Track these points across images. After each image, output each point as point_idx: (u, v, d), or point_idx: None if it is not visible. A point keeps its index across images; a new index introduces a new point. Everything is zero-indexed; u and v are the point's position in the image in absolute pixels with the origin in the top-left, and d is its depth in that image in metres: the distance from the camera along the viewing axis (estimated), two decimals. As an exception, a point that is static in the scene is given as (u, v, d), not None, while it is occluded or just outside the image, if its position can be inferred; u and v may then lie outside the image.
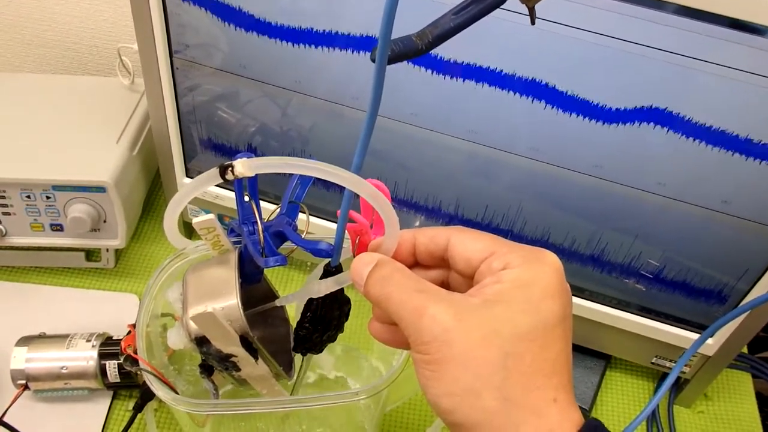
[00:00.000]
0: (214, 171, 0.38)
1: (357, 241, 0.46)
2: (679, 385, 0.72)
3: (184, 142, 0.68)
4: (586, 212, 0.59)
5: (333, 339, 0.51)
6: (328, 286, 0.43)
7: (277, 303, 0.47)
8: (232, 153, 0.67)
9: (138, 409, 0.63)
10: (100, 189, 0.65)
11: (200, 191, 0.39)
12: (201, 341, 0.44)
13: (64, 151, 0.67)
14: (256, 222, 0.45)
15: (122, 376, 0.63)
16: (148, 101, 0.65)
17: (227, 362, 0.46)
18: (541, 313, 0.34)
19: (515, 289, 0.35)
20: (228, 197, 0.70)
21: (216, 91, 0.64)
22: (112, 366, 0.63)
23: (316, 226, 0.67)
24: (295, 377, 0.52)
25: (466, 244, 0.39)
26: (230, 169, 0.37)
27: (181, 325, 0.45)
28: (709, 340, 0.64)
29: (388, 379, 0.48)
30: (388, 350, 0.49)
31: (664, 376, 0.73)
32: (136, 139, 0.71)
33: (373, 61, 0.32)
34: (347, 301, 0.50)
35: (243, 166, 0.36)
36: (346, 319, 0.51)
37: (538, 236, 0.62)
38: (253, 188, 0.45)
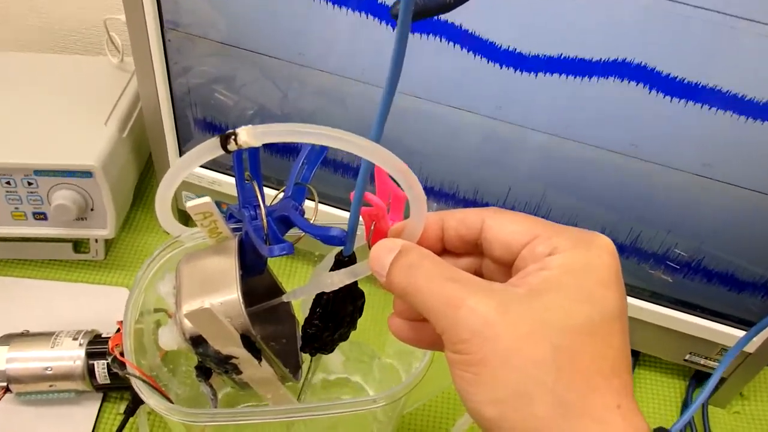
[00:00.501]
0: (214, 141, 0.32)
1: (372, 228, 0.41)
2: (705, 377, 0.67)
3: (177, 124, 0.63)
4: (619, 196, 0.54)
5: (345, 337, 0.46)
6: (342, 278, 0.38)
7: (284, 298, 0.41)
8: (224, 131, 0.62)
9: (129, 413, 0.58)
10: (87, 174, 0.59)
11: (197, 165, 0.34)
12: (197, 341, 0.39)
13: (48, 134, 0.61)
14: (259, 205, 0.40)
15: (112, 377, 0.58)
16: (138, 78, 0.60)
17: (227, 364, 0.40)
18: (598, 304, 0.30)
19: (565, 275, 0.30)
20: (227, 182, 0.64)
21: (212, 69, 0.59)
22: (101, 366, 0.58)
23: (321, 214, 0.62)
24: (302, 380, 0.47)
25: (504, 227, 0.34)
26: (233, 138, 0.31)
27: (174, 323, 0.40)
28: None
29: (410, 383, 0.43)
30: (405, 348, 0.43)
31: (696, 374, 0.68)
32: (126, 120, 0.66)
33: (394, 17, 0.28)
34: (361, 295, 0.44)
35: (247, 135, 0.31)
36: (360, 315, 0.45)
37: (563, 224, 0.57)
38: (254, 166, 0.40)
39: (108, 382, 0.58)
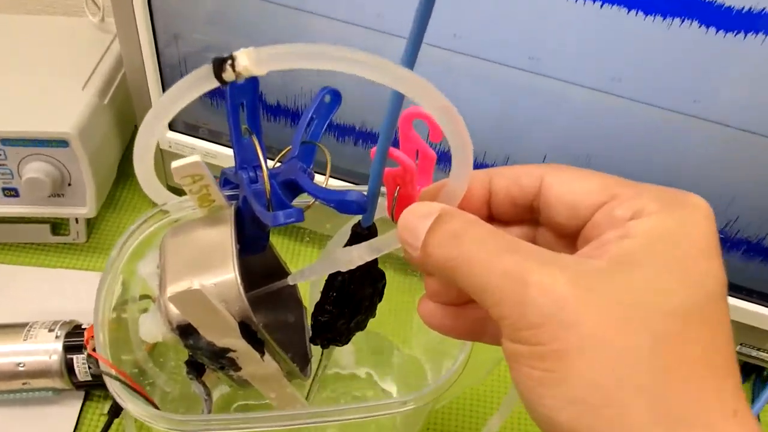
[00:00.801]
0: (206, 69, 0.25)
1: (396, 193, 0.34)
2: (762, 377, 0.61)
3: (165, 89, 0.56)
4: (678, 163, 0.47)
5: (363, 326, 0.39)
6: (362, 254, 0.31)
7: (290, 281, 0.34)
8: (218, 95, 0.55)
9: (114, 413, 0.51)
10: (62, 143, 0.52)
11: (184, 103, 0.27)
12: (185, 331, 0.32)
13: (18, 100, 0.54)
14: (260, 165, 0.33)
15: (94, 373, 0.51)
16: (120, 39, 0.53)
17: (222, 359, 0.33)
18: (700, 278, 0.23)
19: (656, 244, 0.24)
20: (224, 155, 0.57)
21: (205, 23, 0.51)
22: (80, 361, 0.51)
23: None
24: (312, 376, 0.40)
25: (570, 186, 0.27)
26: (230, 63, 0.24)
27: (157, 309, 0.33)
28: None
29: (444, 383, 0.36)
30: (434, 339, 0.36)
31: (747, 367, 0.61)
32: (107, 86, 0.59)
33: None
34: (381, 276, 0.38)
35: (249, 59, 0.24)
36: (380, 299, 0.39)
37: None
38: (253, 116, 0.33)
39: (89, 379, 0.51)
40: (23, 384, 0.51)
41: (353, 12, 0.46)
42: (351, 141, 0.54)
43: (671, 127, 0.45)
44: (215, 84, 0.26)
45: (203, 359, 0.34)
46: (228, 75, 0.26)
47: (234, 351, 0.33)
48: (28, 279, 0.60)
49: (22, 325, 0.52)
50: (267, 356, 0.34)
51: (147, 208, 0.66)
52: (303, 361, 0.39)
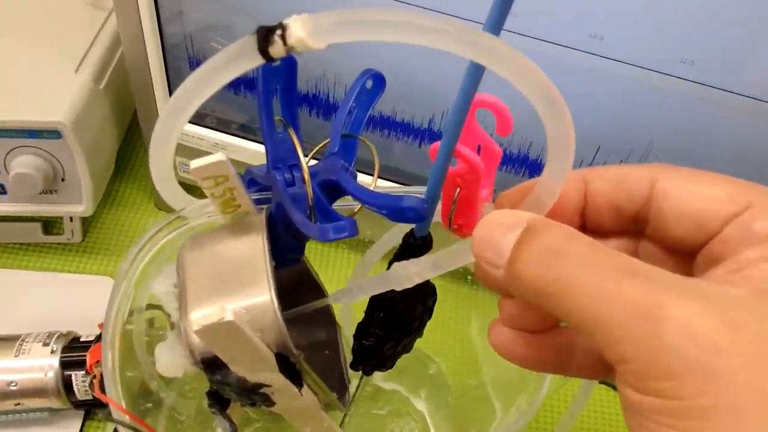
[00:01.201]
0: (247, 42, 0.20)
1: (456, 196, 0.29)
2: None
3: (169, 74, 0.50)
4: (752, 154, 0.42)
5: (409, 348, 0.34)
6: (423, 271, 0.26)
7: (333, 300, 0.29)
8: (231, 82, 0.49)
9: (119, 437, 0.46)
10: (54, 134, 0.46)
11: (216, 87, 0.22)
12: (212, 365, 0.27)
13: (2, 83, 0.48)
14: (299, 164, 0.27)
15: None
16: (117, 14, 0.47)
17: (255, 395, 0.28)
18: None
19: None
20: (235, 146, 0.51)
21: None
22: (80, 378, 0.45)
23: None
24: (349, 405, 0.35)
25: (693, 192, 0.23)
26: (279, 34, 0.19)
27: (176, 339, 0.27)
28: None
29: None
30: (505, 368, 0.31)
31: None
32: (103, 69, 0.52)
33: None
34: (433, 291, 0.32)
35: (305, 29, 0.18)
36: (430, 317, 0.33)
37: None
38: (289, 105, 0.27)
39: (90, 397, 0.46)
40: (16, 405, 0.46)
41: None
42: (377, 131, 0.49)
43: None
44: (259, 61, 0.21)
45: (231, 395, 0.29)
46: (276, 49, 0.20)
47: (269, 386, 0.28)
48: (18, 284, 0.54)
49: (14, 339, 0.47)
50: (305, 388, 0.29)
51: (148, 205, 0.60)
52: (341, 389, 0.34)
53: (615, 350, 0.19)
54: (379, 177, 0.45)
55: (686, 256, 0.23)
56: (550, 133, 0.21)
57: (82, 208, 0.50)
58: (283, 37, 0.19)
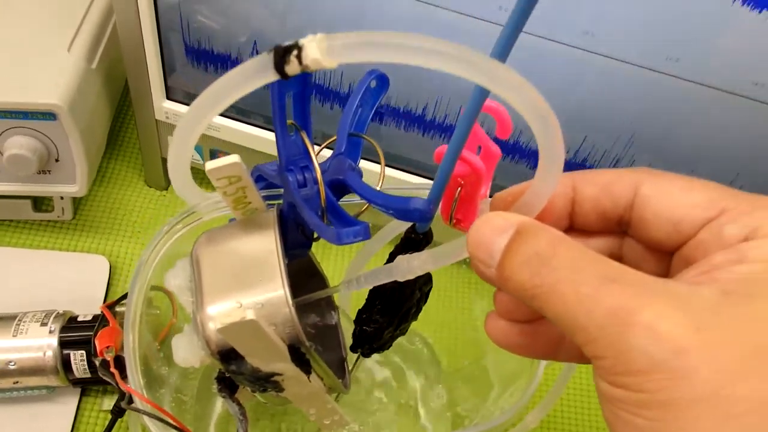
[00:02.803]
0: (264, 59, 0.21)
1: (457, 195, 0.30)
2: None
3: (163, 51, 0.50)
4: (736, 146, 0.44)
5: (405, 331, 0.36)
6: (424, 264, 0.28)
7: (344, 289, 0.30)
8: (223, 60, 0.49)
9: (119, 413, 0.47)
10: (49, 116, 0.46)
11: (233, 99, 0.23)
12: (228, 356, 0.28)
13: (-5, 63, 0.48)
14: (312, 166, 0.28)
15: (93, 369, 0.46)
16: None
17: (267, 383, 0.30)
18: None
19: None
20: (229, 128, 0.52)
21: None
22: (78, 357, 0.46)
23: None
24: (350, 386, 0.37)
25: (672, 198, 0.24)
26: (295, 54, 0.20)
27: (193, 331, 0.28)
28: None
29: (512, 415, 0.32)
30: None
31: None
32: (95, 47, 0.52)
33: None
34: (429, 279, 0.34)
35: (320, 49, 0.20)
36: (425, 302, 0.35)
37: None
38: (301, 110, 0.28)
39: (88, 375, 0.47)
40: (14, 383, 0.47)
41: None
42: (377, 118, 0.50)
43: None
44: (275, 77, 0.22)
45: (244, 383, 0.30)
46: (292, 68, 0.21)
47: (280, 375, 0.29)
48: (10, 261, 0.54)
49: (10, 318, 0.47)
50: (313, 375, 0.31)
51: (140, 182, 0.61)
52: (341, 371, 0.36)
53: (590, 348, 0.21)
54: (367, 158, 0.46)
55: (664, 253, 0.25)
56: (542, 146, 0.23)
57: (76, 188, 0.51)
58: (298, 57, 0.20)
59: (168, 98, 0.52)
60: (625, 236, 0.27)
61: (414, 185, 0.50)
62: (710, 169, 0.46)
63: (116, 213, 0.59)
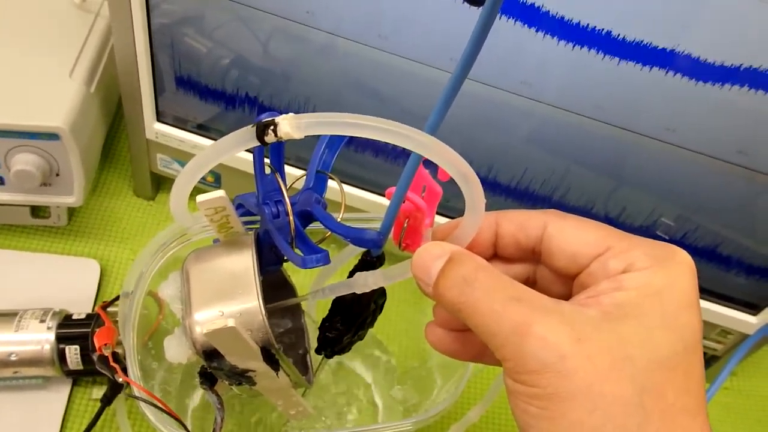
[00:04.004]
0: (248, 131, 0.28)
1: (405, 225, 0.37)
2: (706, 360, 0.67)
3: (155, 75, 0.55)
4: (653, 183, 0.51)
5: (363, 337, 0.42)
6: (377, 280, 0.34)
7: (311, 298, 0.36)
8: (210, 93, 0.55)
9: (107, 401, 0.53)
10: (53, 136, 0.52)
11: (225, 157, 0.29)
12: (211, 355, 0.34)
13: (3, 87, 0.53)
14: (284, 201, 0.34)
15: (86, 362, 0.52)
16: (112, 18, 0.51)
17: (242, 378, 0.36)
18: (680, 331, 0.27)
19: (645, 298, 0.27)
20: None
21: (193, 15, 0.51)
22: (73, 351, 0.52)
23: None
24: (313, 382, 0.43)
25: (570, 236, 0.31)
26: (272, 129, 0.27)
27: (182, 333, 0.35)
28: (752, 319, 0.59)
29: (444, 407, 0.39)
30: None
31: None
32: (93, 71, 0.58)
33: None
34: (383, 293, 0.40)
35: (290, 126, 0.26)
36: (380, 313, 0.42)
37: (581, 205, 0.54)
38: (277, 158, 0.35)
39: (80, 367, 0.53)
40: (14, 372, 0.52)
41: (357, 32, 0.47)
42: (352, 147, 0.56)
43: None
44: (257, 144, 0.29)
45: (222, 377, 0.36)
46: (270, 138, 0.28)
47: (253, 371, 0.36)
48: (10, 263, 0.60)
49: (12, 314, 0.53)
50: (281, 372, 0.37)
51: (129, 192, 0.66)
52: (304, 368, 0.42)
53: (500, 352, 0.27)
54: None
55: (568, 278, 0.31)
56: (466, 194, 0.29)
57: (74, 199, 0.56)
58: (274, 131, 0.27)
59: (158, 120, 0.58)
60: (538, 264, 0.33)
61: (376, 214, 0.56)
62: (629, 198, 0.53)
63: (107, 220, 0.64)
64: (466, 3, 0.24)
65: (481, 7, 0.23)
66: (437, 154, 0.28)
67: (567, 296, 0.31)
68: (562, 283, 0.32)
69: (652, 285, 0.28)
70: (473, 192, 0.29)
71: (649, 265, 0.28)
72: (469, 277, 0.28)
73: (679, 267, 0.28)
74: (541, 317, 0.27)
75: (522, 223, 0.32)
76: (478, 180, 0.29)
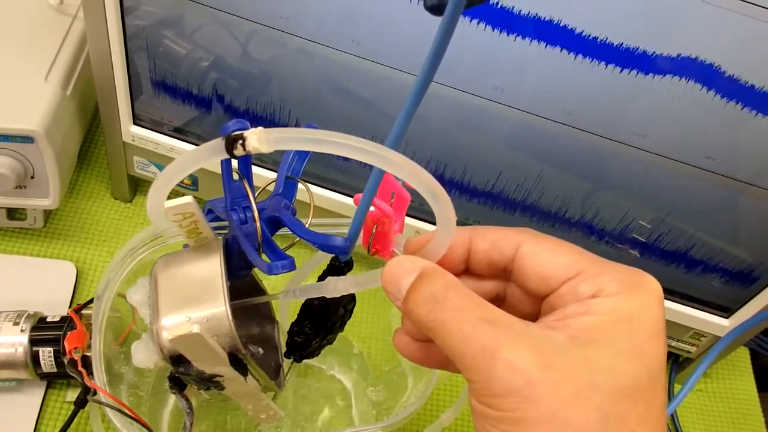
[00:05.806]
0: (218, 143, 0.28)
1: (374, 232, 0.37)
2: (679, 363, 0.68)
3: (131, 79, 0.55)
4: (625, 187, 0.51)
5: (332, 341, 0.43)
6: (348, 286, 0.34)
7: (282, 297, 0.36)
8: (186, 96, 0.55)
9: (81, 404, 0.53)
10: (27, 139, 0.52)
11: (196, 168, 0.30)
12: (178, 360, 0.34)
13: (-23, 89, 0.53)
14: (251, 208, 0.35)
15: (59, 365, 0.52)
16: (87, 21, 0.51)
17: (210, 383, 0.36)
18: (645, 359, 0.27)
19: (613, 325, 0.28)
20: (187, 151, 0.58)
21: (169, 19, 0.51)
22: (46, 354, 0.52)
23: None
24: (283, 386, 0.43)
25: (543, 258, 0.30)
26: (241, 143, 0.27)
27: (149, 338, 0.35)
28: (724, 321, 0.59)
29: (415, 409, 0.39)
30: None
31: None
32: (69, 75, 0.58)
33: (433, 10, 0.24)
34: (352, 298, 0.41)
35: (258, 140, 0.27)
36: (350, 317, 0.42)
37: (555, 209, 0.54)
38: (246, 166, 0.35)
39: (54, 370, 0.52)
40: (-13, 375, 0.52)
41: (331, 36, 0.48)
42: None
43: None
44: (226, 156, 0.29)
45: (191, 382, 0.36)
46: (238, 151, 0.28)
47: (221, 376, 0.36)
48: (-16, 265, 0.60)
49: (-15, 317, 0.53)
50: (249, 377, 0.37)
51: (106, 195, 0.66)
52: (275, 372, 0.42)
53: (466, 373, 0.27)
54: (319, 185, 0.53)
55: (538, 298, 0.31)
56: (436, 210, 0.29)
57: (49, 201, 0.56)
58: (243, 144, 0.27)
59: (135, 123, 0.58)
60: (509, 281, 0.33)
61: (347, 218, 0.57)
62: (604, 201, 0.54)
63: (84, 222, 0.64)
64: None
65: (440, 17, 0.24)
66: (406, 172, 0.27)
67: (536, 315, 0.32)
68: (532, 302, 0.32)
69: (621, 311, 0.28)
70: (443, 209, 0.29)
71: (618, 291, 0.28)
72: (439, 295, 0.28)
73: (648, 294, 0.28)
74: (510, 341, 0.27)
75: (496, 242, 0.32)
76: (448, 197, 0.29)
